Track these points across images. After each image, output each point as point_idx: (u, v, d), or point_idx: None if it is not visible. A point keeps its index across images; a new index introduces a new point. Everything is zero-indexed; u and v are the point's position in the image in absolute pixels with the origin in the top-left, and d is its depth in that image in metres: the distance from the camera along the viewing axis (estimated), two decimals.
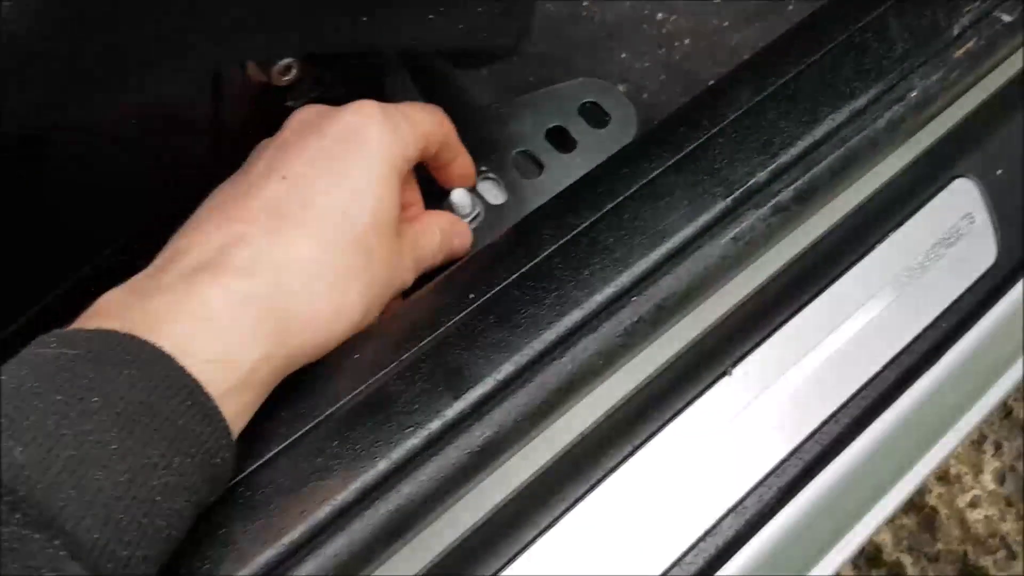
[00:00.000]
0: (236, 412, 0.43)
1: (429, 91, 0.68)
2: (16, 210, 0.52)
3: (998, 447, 1.19)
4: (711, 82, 0.79)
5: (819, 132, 0.54)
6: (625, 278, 0.50)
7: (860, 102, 0.56)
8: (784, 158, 0.53)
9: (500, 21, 0.55)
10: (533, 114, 0.70)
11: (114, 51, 0.41)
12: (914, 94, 0.57)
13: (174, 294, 0.43)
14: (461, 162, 0.61)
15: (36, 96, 0.39)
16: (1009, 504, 1.18)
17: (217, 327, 0.43)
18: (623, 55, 0.80)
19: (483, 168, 0.67)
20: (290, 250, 0.46)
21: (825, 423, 0.57)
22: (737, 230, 0.51)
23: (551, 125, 0.69)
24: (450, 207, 0.63)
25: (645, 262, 0.50)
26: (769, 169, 0.53)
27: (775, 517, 0.56)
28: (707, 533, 0.54)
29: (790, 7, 0.82)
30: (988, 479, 1.19)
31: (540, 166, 0.68)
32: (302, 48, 0.50)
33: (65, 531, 0.35)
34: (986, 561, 1.14)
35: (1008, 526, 1.16)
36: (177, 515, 0.39)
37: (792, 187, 0.53)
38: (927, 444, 0.61)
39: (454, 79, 0.75)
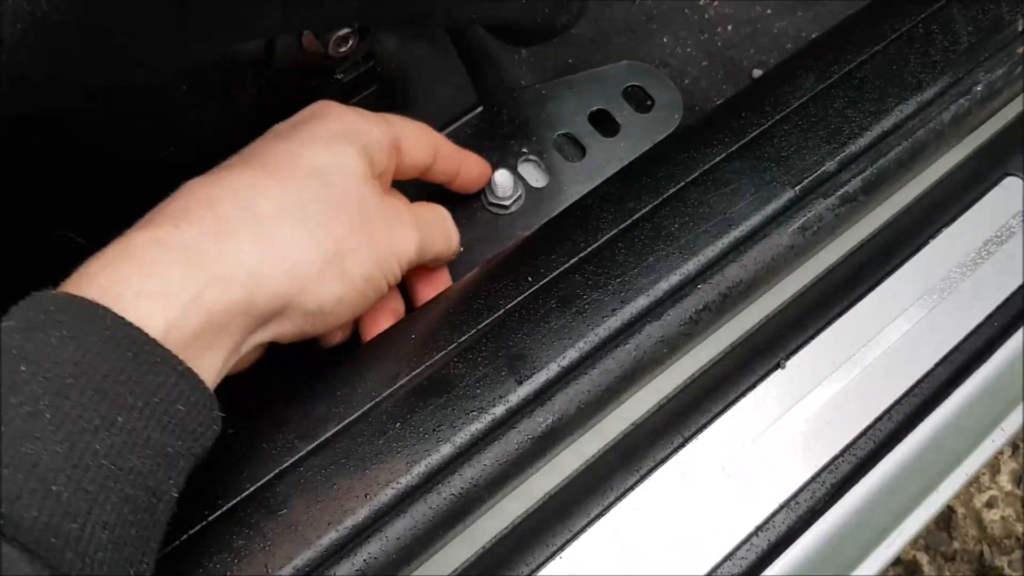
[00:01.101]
0: (192, 351, 0.40)
1: (471, 69, 0.67)
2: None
3: (1015, 448, 1.19)
4: (754, 70, 0.78)
5: (887, 123, 0.53)
6: (691, 266, 0.49)
7: (927, 94, 0.55)
8: (852, 148, 0.52)
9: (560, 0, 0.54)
10: (576, 96, 0.69)
11: (181, 14, 0.40)
12: (979, 88, 0.56)
13: (114, 246, 0.41)
14: (470, 166, 0.59)
15: (107, 55, 0.38)
16: None
17: (142, 265, 0.40)
18: (664, 39, 0.79)
19: (524, 150, 0.66)
20: (248, 200, 0.44)
21: (878, 419, 0.57)
22: (804, 219, 0.50)
23: (594, 108, 0.68)
24: (492, 188, 0.62)
25: (711, 250, 0.49)
26: (837, 158, 0.52)
27: (827, 513, 0.55)
28: (759, 528, 0.53)
29: None
30: (1005, 480, 1.19)
31: (582, 149, 0.66)
32: (366, 17, 0.49)
33: (2, 511, 0.33)
34: (1002, 561, 1.14)
35: None
36: (134, 474, 0.36)
37: (860, 177, 0.52)
38: (978, 439, 0.60)
39: (496, 58, 0.74)
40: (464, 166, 0.58)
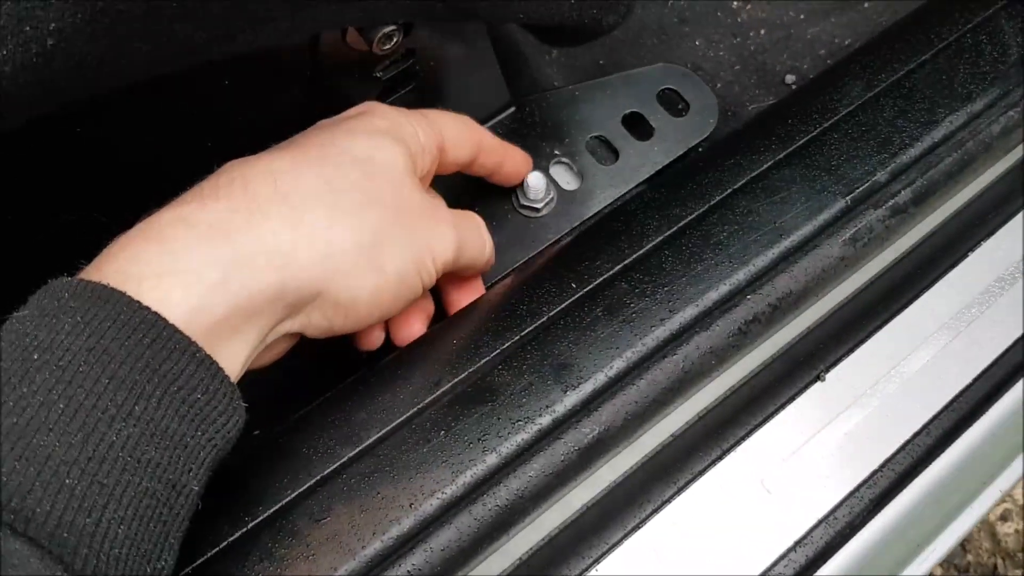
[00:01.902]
0: (216, 337, 0.38)
1: (503, 68, 0.66)
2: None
3: None
4: (786, 75, 0.77)
5: (937, 134, 0.52)
6: (741, 275, 0.48)
7: (977, 105, 0.54)
8: (903, 158, 0.51)
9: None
10: (609, 98, 0.68)
11: (232, 6, 0.39)
12: None
13: (138, 226, 0.40)
14: (512, 160, 0.58)
15: (164, 43, 0.37)
16: None
17: (164, 244, 0.38)
18: (696, 42, 0.78)
19: (556, 152, 0.65)
20: (284, 182, 0.42)
21: (917, 434, 0.56)
22: (856, 230, 0.50)
23: (627, 111, 0.67)
24: (524, 190, 0.61)
25: (762, 259, 0.48)
26: (888, 168, 0.51)
27: (864, 528, 0.54)
28: (797, 543, 0.53)
29: (866, 4, 0.80)
30: (1019, 493, 1.19)
31: (615, 153, 0.65)
32: (414, 14, 0.48)
33: (11, 507, 0.32)
34: (1015, 574, 1.13)
35: None
36: (152, 466, 0.35)
37: (910, 188, 0.51)
38: (1013, 454, 0.59)
39: (528, 57, 0.73)
40: (506, 159, 0.57)
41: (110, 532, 0.33)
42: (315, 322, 0.43)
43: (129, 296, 0.36)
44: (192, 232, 0.39)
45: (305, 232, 0.42)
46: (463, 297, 0.54)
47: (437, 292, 0.54)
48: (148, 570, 0.35)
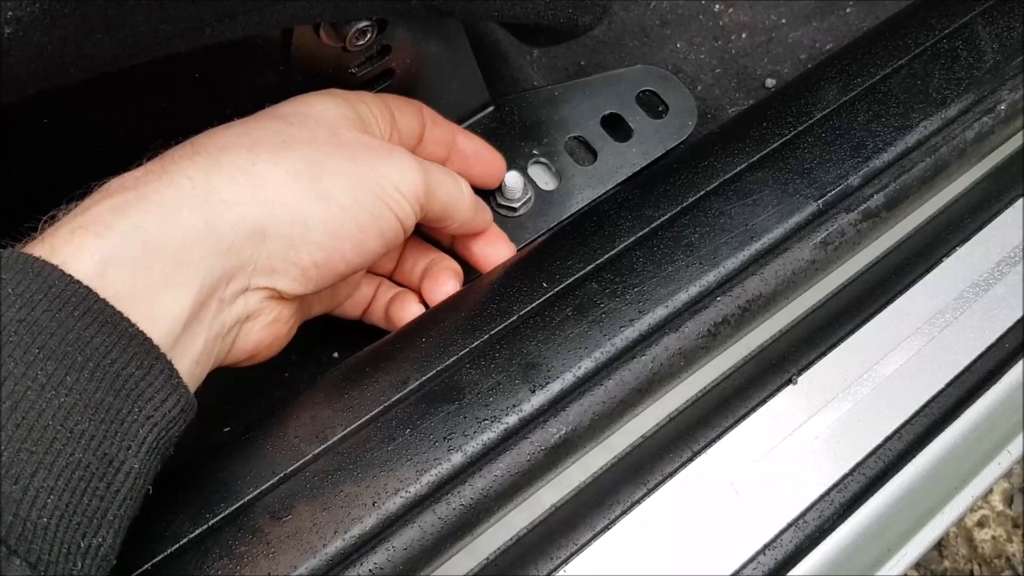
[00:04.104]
0: (144, 289, 0.37)
1: (483, 67, 0.66)
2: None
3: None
4: (767, 79, 0.77)
5: (911, 138, 0.52)
6: (711, 277, 0.48)
7: (952, 111, 0.54)
8: (876, 162, 0.51)
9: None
10: (589, 99, 0.67)
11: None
12: (1003, 107, 0.55)
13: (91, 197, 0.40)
14: (486, 157, 0.58)
15: (126, 34, 0.36)
16: (1016, 526, 1.18)
17: (83, 204, 0.38)
18: (678, 44, 0.78)
19: (535, 152, 0.65)
20: (205, 141, 0.42)
21: (889, 438, 0.56)
22: (827, 234, 0.49)
23: (607, 112, 0.67)
24: (502, 190, 0.61)
25: (732, 261, 0.48)
26: (861, 173, 0.51)
27: (834, 532, 0.54)
28: (767, 546, 0.53)
29: (848, 9, 0.80)
30: (997, 500, 1.19)
31: (594, 153, 0.65)
32: (387, 10, 0.48)
33: None
34: None
35: (1014, 547, 1.16)
36: (84, 438, 0.34)
37: (882, 192, 0.51)
38: (985, 461, 0.59)
39: (508, 57, 0.73)
40: (457, 136, 0.56)
41: (38, 501, 0.32)
42: (281, 269, 0.42)
43: (59, 269, 0.35)
44: (105, 194, 0.39)
45: (224, 171, 0.41)
46: (490, 251, 0.54)
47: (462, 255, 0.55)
48: (82, 544, 0.34)
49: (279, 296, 0.43)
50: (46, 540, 0.32)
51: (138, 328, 0.36)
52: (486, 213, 0.55)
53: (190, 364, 0.39)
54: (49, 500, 0.33)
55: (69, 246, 0.36)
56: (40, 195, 0.52)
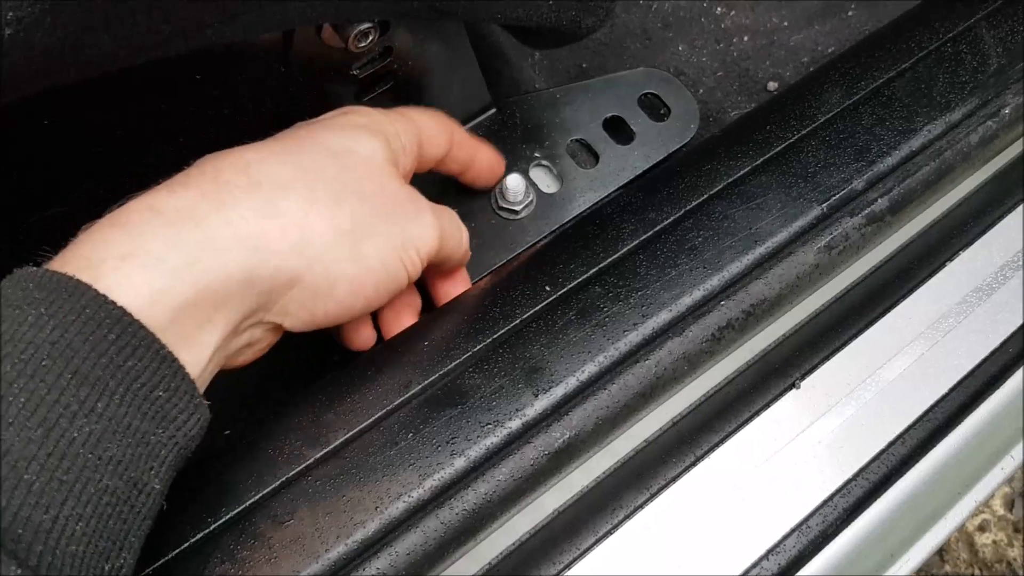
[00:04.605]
0: (182, 326, 0.37)
1: (485, 70, 0.66)
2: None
3: None
4: (769, 82, 0.77)
5: (915, 142, 0.52)
6: (715, 281, 0.48)
7: (956, 114, 0.54)
8: (880, 166, 0.51)
9: (590, 2, 0.52)
10: (591, 102, 0.67)
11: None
12: (1007, 111, 0.55)
13: (107, 215, 0.39)
14: (484, 156, 0.58)
15: (126, 34, 0.36)
16: (1017, 530, 1.18)
17: (129, 228, 0.37)
18: (680, 47, 0.78)
19: (536, 155, 0.64)
20: (257, 172, 0.42)
21: (892, 443, 0.56)
22: (831, 238, 0.49)
23: (609, 115, 0.66)
24: (503, 191, 0.61)
25: (736, 265, 0.48)
26: (865, 176, 0.50)
27: (838, 537, 0.54)
28: (770, 551, 0.52)
29: (849, 12, 0.80)
30: (998, 504, 1.19)
31: (595, 156, 0.65)
32: (389, 11, 0.47)
33: None
34: None
35: (1015, 552, 1.16)
36: (113, 464, 0.34)
37: (887, 196, 0.51)
38: (988, 466, 0.59)
39: (510, 59, 0.72)
40: (478, 155, 0.56)
41: (67, 529, 0.32)
42: (294, 313, 0.42)
43: (93, 288, 0.35)
44: (158, 218, 0.38)
45: (278, 218, 0.41)
46: (452, 289, 0.54)
47: (423, 286, 0.54)
48: (106, 568, 0.34)
49: (280, 328, 0.44)
50: (73, 567, 0.32)
51: (168, 350, 0.36)
52: (467, 255, 0.55)
53: (201, 385, 0.39)
54: (77, 527, 0.33)
55: (117, 273, 0.36)
56: (40, 195, 0.52)
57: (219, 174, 0.41)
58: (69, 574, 0.32)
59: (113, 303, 0.35)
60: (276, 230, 0.40)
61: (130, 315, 0.35)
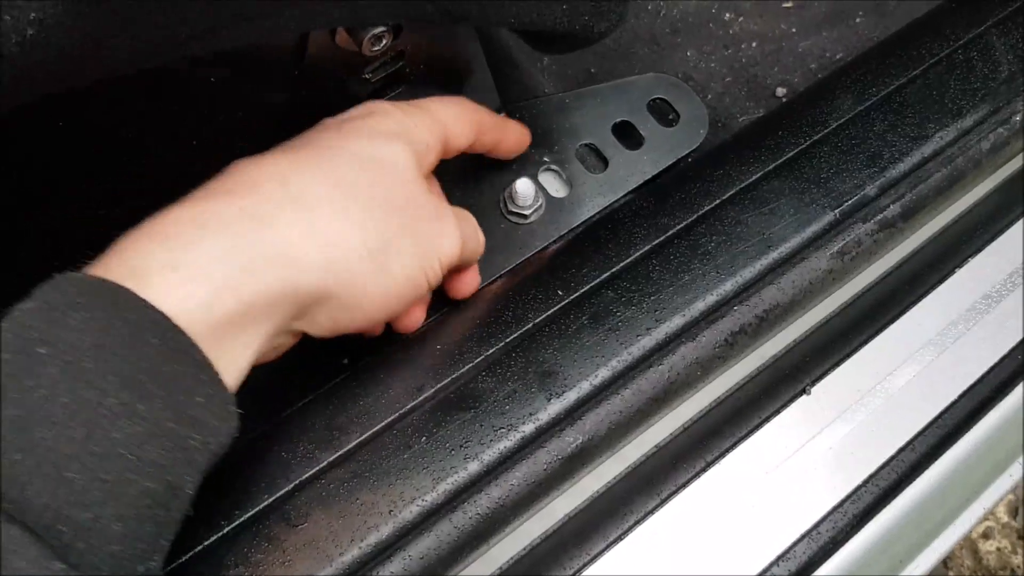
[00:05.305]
0: (222, 337, 0.38)
1: (494, 73, 0.66)
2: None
3: None
4: (777, 88, 0.77)
5: (927, 149, 0.52)
6: (728, 286, 0.48)
7: (967, 121, 0.54)
8: (892, 172, 0.51)
9: (602, 6, 0.52)
10: (600, 106, 0.67)
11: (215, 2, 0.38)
12: (1018, 117, 0.55)
13: (149, 222, 0.39)
14: (512, 133, 0.58)
15: (145, 36, 0.36)
16: (1020, 537, 1.18)
17: (175, 239, 0.38)
18: (688, 52, 0.78)
19: (546, 159, 0.64)
20: (295, 185, 0.42)
21: (902, 449, 0.56)
22: (843, 243, 0.49)
23: (618, 120, 0.66)
24: (513, 196, 0.61)
25: (749, 270, 0.48)
26: (877, 183, 0.51)
27: (848, 543, 0.53)
28: (780, 557, 0.52)
29: (857, 19, 0.80)
30: (1002, 511, 1.19)
31: (604, 161, 0.65)
32: (402, 15, 0.47)
33: (9, 496, 0.31)
34: None
35: (1019, 559, 1.16)
36: (153, 467, 0.34)
37: (899, 203, 0.51)
38: (997, 472, 0.59)
39: (520, 64, 0.72)
40: (505, 135, 0.57)
41: (107, 529, 0.33)
42: (320, 322, 0.43)
43: (137, 295, 0.35)
44: (201, 231, 0.38)
45: (315, 235, 0.41)
46: (463, 283, 0.54)
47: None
48: (139, 570, 0.34)
49: (301, 333, 0.44)
50: (112, 567, 0.33)
51: (208, 358, 0.37)
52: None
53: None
54: (116, 528, 0.33)
55: (162, 284, 0.36)
56: (40, 195, 0.52)
57: (257, 185, 0.41)
58: (108, 574, 0.33)
59: (154, 308, 0.35)
60: (313, 249, 0.41)
61: (170, 320, 0.36)
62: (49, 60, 0.33)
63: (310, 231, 0.41)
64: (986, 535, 1.18)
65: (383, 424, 0.44)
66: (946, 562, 1.16)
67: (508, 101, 0.66)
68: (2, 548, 0.30)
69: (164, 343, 0.35)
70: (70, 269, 0.36)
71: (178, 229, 0.38)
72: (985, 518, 1.14)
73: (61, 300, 0.35)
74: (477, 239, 0.52)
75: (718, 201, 0.51)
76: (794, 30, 0.79)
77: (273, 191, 0.41)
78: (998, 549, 1.18)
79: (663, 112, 0.67)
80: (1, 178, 0.51)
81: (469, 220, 0.52)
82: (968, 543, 1.18)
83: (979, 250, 0.63)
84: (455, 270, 0.53)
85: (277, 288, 0.40)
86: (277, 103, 0.49)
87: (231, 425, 0.38)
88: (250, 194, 0.41)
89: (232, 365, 0.39)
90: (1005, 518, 1.20)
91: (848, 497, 0.54)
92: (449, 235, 0.48)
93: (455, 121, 0.51)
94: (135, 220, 0.39)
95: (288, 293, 0.40)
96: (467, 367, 0.46)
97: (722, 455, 0.53)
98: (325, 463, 0.42)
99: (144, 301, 0.35)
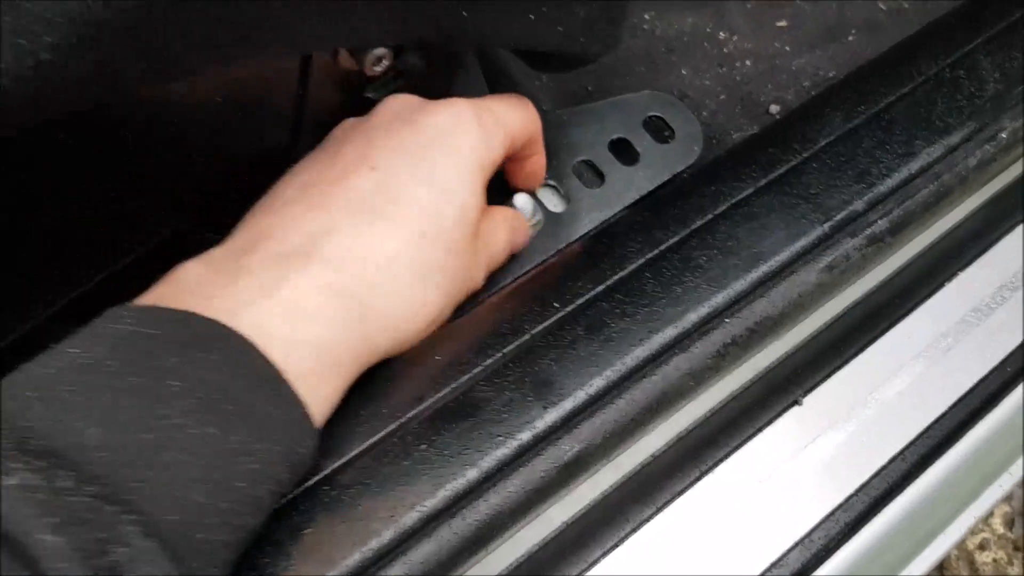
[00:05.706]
0: (319, 401, 0.42)
1: (493, 91, 0.67)
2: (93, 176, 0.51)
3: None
4: (771, 105, 0.78)
5: (915, 165, 0.54)
6: (720, 298, 0.49)
7: (954, 138, 0.55)
8: (881, 188, 0.52)
9: (598, 27, 0.54)
10: (596, 123, 0.69)
11: (214, 23, 0.40)
12: (1004, 135, 0.56)
13: (259, 279, 0.41)
14: (536, 160, 0.60)
15: (132, 65, 0.38)
16: (1016, 548, 1.18)
17: (302, 315, 0.41)
18: (683, 71, 0.79)
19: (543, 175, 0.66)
20: (376, 245, 0.45)
21: (893, 459, 0.57)
22: (832, 258, 0.51)
23: (614, 136, 0.68)
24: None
25: (740, 284, 0.49)
26: (866, 198, 0.52)
27: (840, 551, 0.55)
28: (773, 565, 0.53)
29: (850, 37, 0.82)
30: (998, 522, 1.20)
31: (601, 177, 0.66)
32: (402, 37, 0.49)
33: (143, 511, 0.33)
34: None
35: (1016, 570, 1.16)
36: (257, 503, 0.38)
37: (887, 218, 0.52)
38: (987, 482, 0.60)
39: (518, 82, 0.74)
40: (534, 158, 0.59)
41: (217, 554, 0.36)
42: (371, 364, 0.47)
43: (266, 357, 0.39)
44: (327, 306, 0.42)
45: (409, 307, 0.46)
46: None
47: None
48: None
49: None
50: None
51: (311, 417, 0.41)
52: None
53: None
54: (223, 555, 0.36)
55: (267, 329, 0.40)
56: (40, 195, 0.54)
57: (363, 260, 0.45)
58: None
59: (272, 364, 0.39)
60: (410, 319, 0.46)
61: (281, 375, 0.39)
62: (64, 85, 0.34)
63: (406, 303, 0.46)
64: (982, 546, 1.19)
65: (384, 432, 0.45)
66: (943, 572, 1.17)
67: None
68: (136, 559, 0.32)
69: (278, 394, 0.39)
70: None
71: (302, 300, 0.42)
72: (981, 530, 1.15)
73: (192, 340, 0.38)
74: (525, 231, 0.57)
75: (711, 216, 0.52)
76: (788, 48, 0.81)
77: (374, 261, 0.45)
78: (994, 560, 1.19)
79: (659, 129, 0.68)
80: (1, 178, 0.53)
81: (516, 218, 0.56)
82: (965, 554, 1.19)
83: (968, 264, 0.64)
84: None
85: (363, 342, 0.44)
86: (279, 120, 0.50)
87: (312, 442, 0.42)
88: (355, 266, 0.44)
89: (320, 416, 0.42)
90: (1001, 530, 1.21)
91: (840, 505, 0.55)
92: (475, 277, 0.52)
93: (519, 127, 0.54)
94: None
95: (381, 355, 0.46)
96: (466, 377, 0.47)
97: (716, 464, 0.55)
98: (329, 470, 0.43)
99: (264, 356, 0.39)
